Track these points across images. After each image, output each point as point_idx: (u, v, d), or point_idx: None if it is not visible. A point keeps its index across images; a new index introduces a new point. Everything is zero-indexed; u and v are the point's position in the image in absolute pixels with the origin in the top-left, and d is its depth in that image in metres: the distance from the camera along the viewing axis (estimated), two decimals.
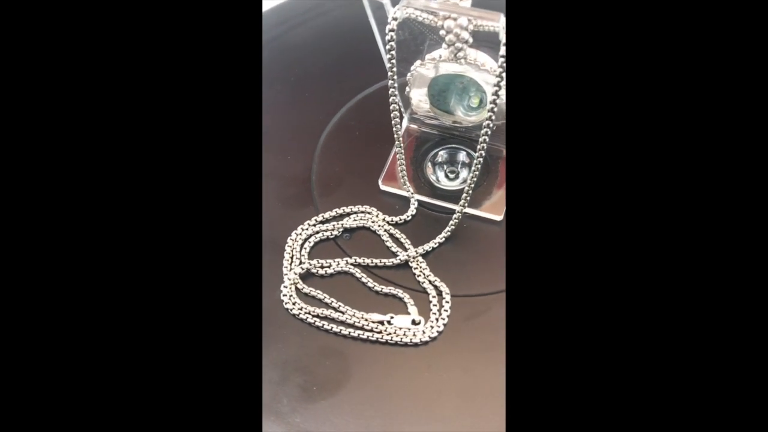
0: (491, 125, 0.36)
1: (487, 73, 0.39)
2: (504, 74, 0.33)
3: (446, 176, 0.47)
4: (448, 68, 0.40)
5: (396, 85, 0.37)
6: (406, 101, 0.46)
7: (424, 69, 0.41)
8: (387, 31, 0.34)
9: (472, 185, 0.40)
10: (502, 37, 0.32)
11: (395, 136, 0.41)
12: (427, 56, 0.40)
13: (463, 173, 0.46)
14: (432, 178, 0.46)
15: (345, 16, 0.58)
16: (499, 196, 0.45)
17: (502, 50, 0.32)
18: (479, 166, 0.38)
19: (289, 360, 0.38)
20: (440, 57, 0.39)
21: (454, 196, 0.45)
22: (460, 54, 0.36)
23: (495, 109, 0.35)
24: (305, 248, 0.43)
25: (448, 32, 0.35)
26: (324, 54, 0.55)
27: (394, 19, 0.33)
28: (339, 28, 0.57)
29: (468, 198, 0.40)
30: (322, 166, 0.47)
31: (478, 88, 0.43)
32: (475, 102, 0.44)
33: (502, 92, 0.34)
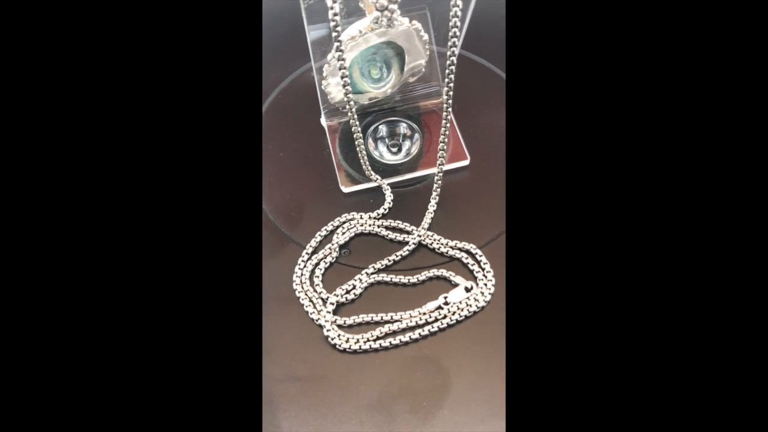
0: (451, 75, 0.35)
1: (413, 28, 0.38)
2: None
3: (389, 150, 0.45)
4: (370, 40, 0.38)
5: (347, 73, 0.35)
6: (323, 96, 0.43)
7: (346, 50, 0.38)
8: (331, 16, 0.31)
9: (445, 141, 0.39)
10: None
11: (353, 129, 0.39)
12: (344, 36, 0.38)
13: (405, 144, 0.45)
14: (375, 154, 0.45)
15: None
16: (452, 144, 0.45)
17: None
18: (447, 123, 0.38)
19: (382, 394, 0.34)
20: (361, 32, 0.37)
21: (407, 168, 0.44)
22: (394, 16, 0.35)
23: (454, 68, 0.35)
24: (317, 285, 0.38)
25: None
26: None
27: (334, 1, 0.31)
28: None
29: (444, 157, 0.40)
30: (272, 202, 0.43)
31: (372, 60, 0.42)
32: (374, 74, 0.43)
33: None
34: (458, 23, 0.32)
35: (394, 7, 0.34)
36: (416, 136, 0.45)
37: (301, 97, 0.48)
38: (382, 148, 0.45)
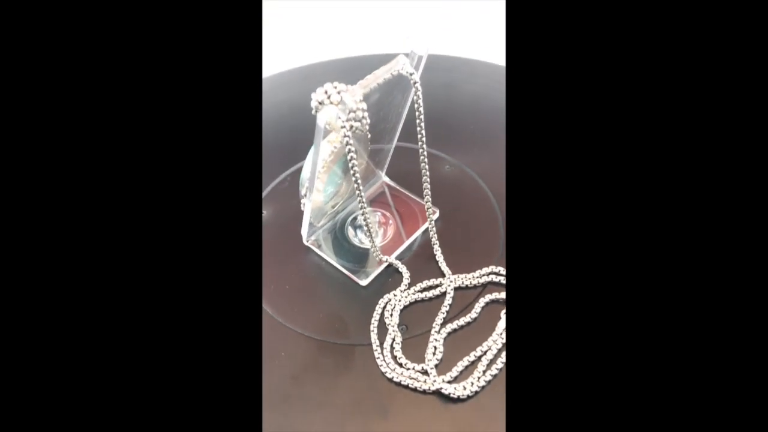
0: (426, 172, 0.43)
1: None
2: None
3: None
4: (341, 153, 0.44)
5: (356, 167, 0.40)
6: (310, 227, 0.47)
7: (321, 175, 0.43)
8: (347, 152, 0.36)
9: (430, 203, 0.46)
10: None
11: (364, 218, 0.43)
12: (322, 159, 0.43)
13: (381, 229, 0.51)
14: (355, 241, 0.49)
15: None
16: (419, 208, 0.52)
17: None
18: (428, 191, 0.45)
19: None
20: (335, 148, 0.43)
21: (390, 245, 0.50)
22: (365, 120, 0.41)
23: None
24: (406, 364, 0.41)
25: (352, 111, 0.39)
26: None
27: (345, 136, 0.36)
28: None
29: (432, 219, 0.47)
30: (310, 327, 0.44)
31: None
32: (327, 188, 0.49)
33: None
34: (422, 119, 0.41)
35: (364, 105, 0.40)
36: (390, 221, 0.51)
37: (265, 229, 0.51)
38: (361, 236, 0.50)
